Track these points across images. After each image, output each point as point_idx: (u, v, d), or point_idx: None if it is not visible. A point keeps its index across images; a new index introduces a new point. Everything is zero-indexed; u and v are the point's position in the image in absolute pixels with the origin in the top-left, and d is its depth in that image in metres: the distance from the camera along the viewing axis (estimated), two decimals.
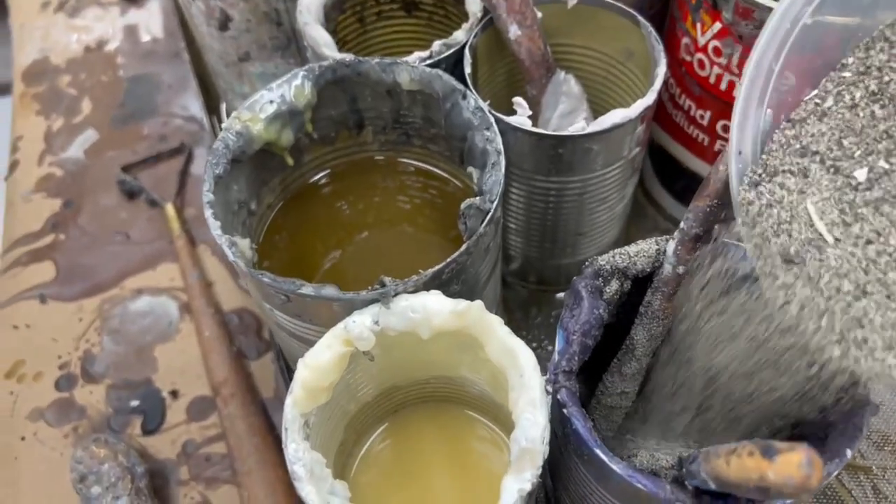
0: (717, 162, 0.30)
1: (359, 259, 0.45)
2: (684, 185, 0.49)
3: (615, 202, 0.44)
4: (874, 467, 0.42)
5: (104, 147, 0.66)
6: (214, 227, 0.34)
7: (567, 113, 0.44)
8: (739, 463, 0.21)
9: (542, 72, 0.43)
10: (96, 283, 0.59)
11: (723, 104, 0.41)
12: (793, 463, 0.20)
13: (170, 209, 0.61)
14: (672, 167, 0.48)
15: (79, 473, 0.48)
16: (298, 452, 0.29)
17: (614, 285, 0.33)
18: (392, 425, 0.41)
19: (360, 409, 0.38)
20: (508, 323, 0.32)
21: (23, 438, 0.52)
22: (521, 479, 0.28)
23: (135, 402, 0.53)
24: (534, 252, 0.47)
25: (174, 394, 0.54)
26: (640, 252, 0.33)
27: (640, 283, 0.34)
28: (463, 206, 0.32)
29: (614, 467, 0.28)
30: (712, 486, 0.24)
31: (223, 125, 0.37)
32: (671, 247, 0.32)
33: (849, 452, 0.28)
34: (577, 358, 0.31)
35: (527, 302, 0.52)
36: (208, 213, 0.34)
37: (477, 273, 0.36)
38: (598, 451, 0.28)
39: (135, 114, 0.68)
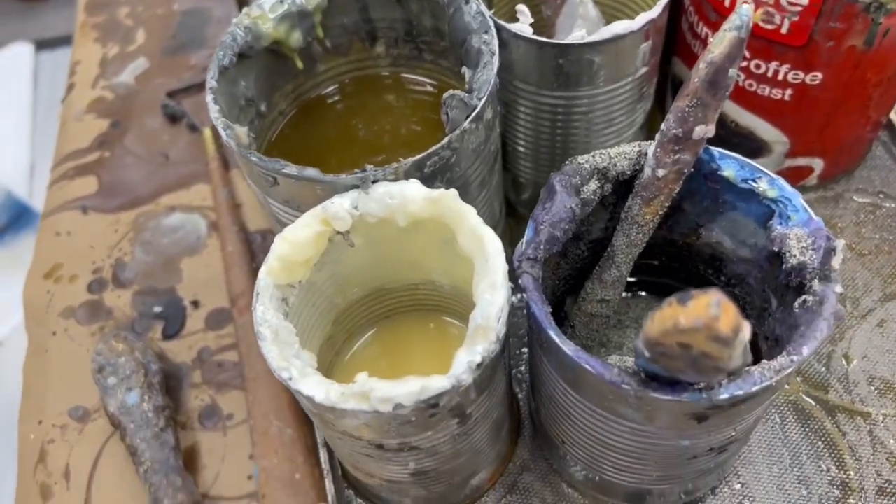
0: (698, 61, 0.30)
1: None
2: None
3: (624, 126, 0.43)
4: (874, 413, 0.41)
5: (153, 74, 0.69)
6: (213, 111, 0.35)
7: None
8: (660, 315, 0.21)
9: None
10: (134, 197, 0.62)
11: None
12: (702, 304, 0.19)
13: (207, 133, 0.63)
14: None
15: (98, 364, 0.50)
16: (266, 315, 0.30)
17: (593, 185, 0.33)
18: (382, 329, 0.42)
19: (350, 305, 0.39)
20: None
21: (54, 333, 0.55)
22: (472, 351, 0.28)
23: (158, 309, 0.56)
24: (543, 178, 0.47)
25: (195, 304, 0.56)
26: (621, 153, 0.33)
27: (624, 188, 0.34)
28: (445, 95, 0.33)
29: (564, 348, 0.28)
30: (647, 354, 0.24)
31: (234, 20, 0.38)
32: (651, 149, 0.32)
33: (806, 350, 0.27)
34: (542, 247, 0.31)
35: None
36: (209, 97, 0.35)
37: (465, 175, 0.36)
38: (551, 333, 0.28)
39: (184, 45, 0.71)
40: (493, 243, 0.31)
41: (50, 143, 0.70)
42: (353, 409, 0.27)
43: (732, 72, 0.29)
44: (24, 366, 0.55)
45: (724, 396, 0.26)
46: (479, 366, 0.28)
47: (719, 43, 0.28)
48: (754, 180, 0.32)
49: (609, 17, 0.46)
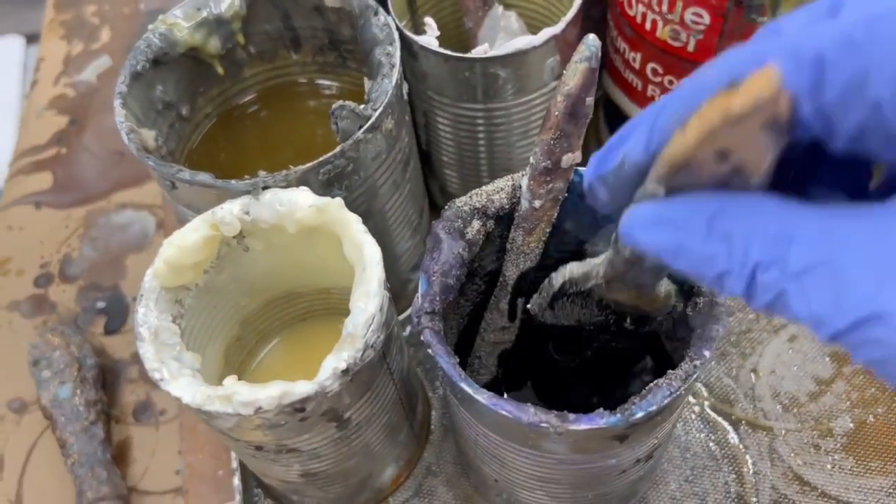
0: (556, 93, 0.30)
1: None
2: None
3: None
4: (775, 427, 0.41)
5: (116, 73, 0.70)
6: (119, 115, 0.36)
7: None
8: (698, 116, 0.17)
9: (479, 3, 0.43)
10: (87, 194, 0.63)
11: (650, 46, 0.41)
12: (762, 79, 0.16)
13: None
14: (616, 115, 0.48)
15: (34, 357, 0.51)
16: (147, 317, 0.31)
17: (476, 225, 0.33)
18: (295, 331, 0.43)
19: (259, 307, 0.40)
20: None
21: None
22: (338, 357, 0.29)
23: (101, 304, 0.57)
24: (472, 188, 0.48)
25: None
26: (496, 189, 0.33)
27: (507, 220, 0.34)
28: (333, 106, 0.33)
29: (479, 398, 0.28)
30: (661, 187, 0.19)
31: (150, 27, 0.39)
32: (525, 182, 0.32)
33: (707, 352, 0.28)
34: (438, 298, 0.31)
35: None
36: (117, 102, 0.36)
37: (368, 182, 0.37)
38: (463, 385, 0.29)
39: None
40: (371, 252, 0.31)
41: None
42: (216, 411, 0.28)
43: (589, 100, 0.29)
44: None
45: (640, 415, 0.27)
46: (345, 372, 0.29)
47: (573, 75, 0.28)
48: None
49: (534, 30, 0.46)
